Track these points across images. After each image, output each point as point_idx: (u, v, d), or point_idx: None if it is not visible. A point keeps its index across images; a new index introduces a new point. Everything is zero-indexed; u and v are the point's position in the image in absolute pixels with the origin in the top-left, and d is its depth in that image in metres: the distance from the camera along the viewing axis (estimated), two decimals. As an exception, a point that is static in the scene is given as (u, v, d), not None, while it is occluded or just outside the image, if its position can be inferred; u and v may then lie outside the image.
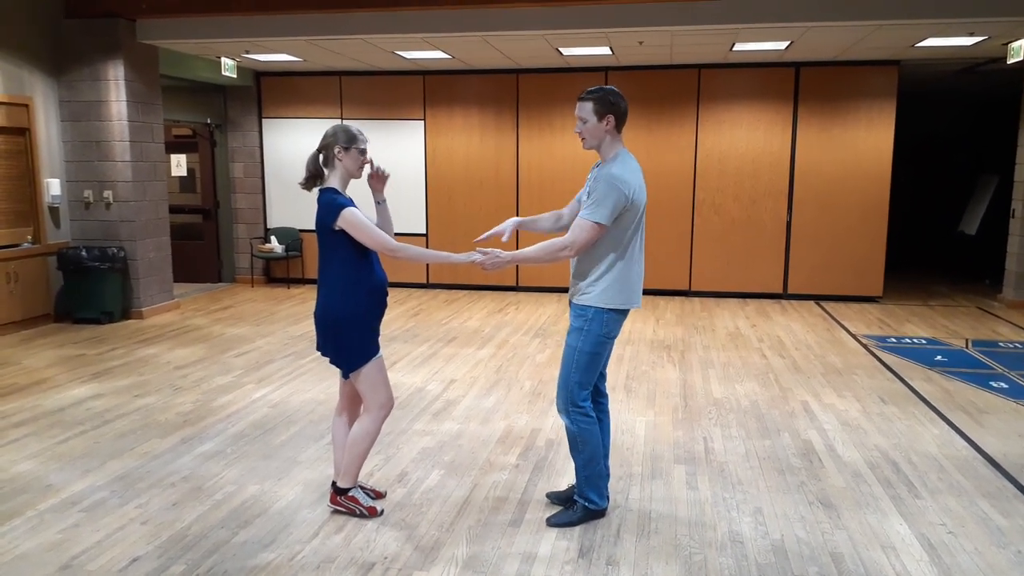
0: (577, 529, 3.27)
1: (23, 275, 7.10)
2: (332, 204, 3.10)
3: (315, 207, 3.18)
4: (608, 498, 3.39)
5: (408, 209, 9.61)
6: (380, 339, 3.29)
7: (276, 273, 10.19)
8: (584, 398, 3.23)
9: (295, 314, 8.03)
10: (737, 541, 3.19)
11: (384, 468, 3.93)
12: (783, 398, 5.19)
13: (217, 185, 9.98)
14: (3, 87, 6.91)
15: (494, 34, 7.00)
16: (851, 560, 3.03)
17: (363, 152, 3.22)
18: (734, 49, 7.73)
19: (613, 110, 3.11)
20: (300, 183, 3.30)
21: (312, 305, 8.37)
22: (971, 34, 6.85)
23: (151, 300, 7.89)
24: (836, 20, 6.41)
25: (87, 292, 7.34)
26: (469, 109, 9.38)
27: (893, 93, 8.52)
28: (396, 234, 3.36)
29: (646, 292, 8.90)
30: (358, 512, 3.37)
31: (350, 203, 3.12)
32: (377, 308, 3.25)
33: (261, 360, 6.10)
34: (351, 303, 3.16)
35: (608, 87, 3.15)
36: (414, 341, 6.80)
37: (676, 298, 9.14)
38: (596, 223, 3.04)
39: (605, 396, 3.45)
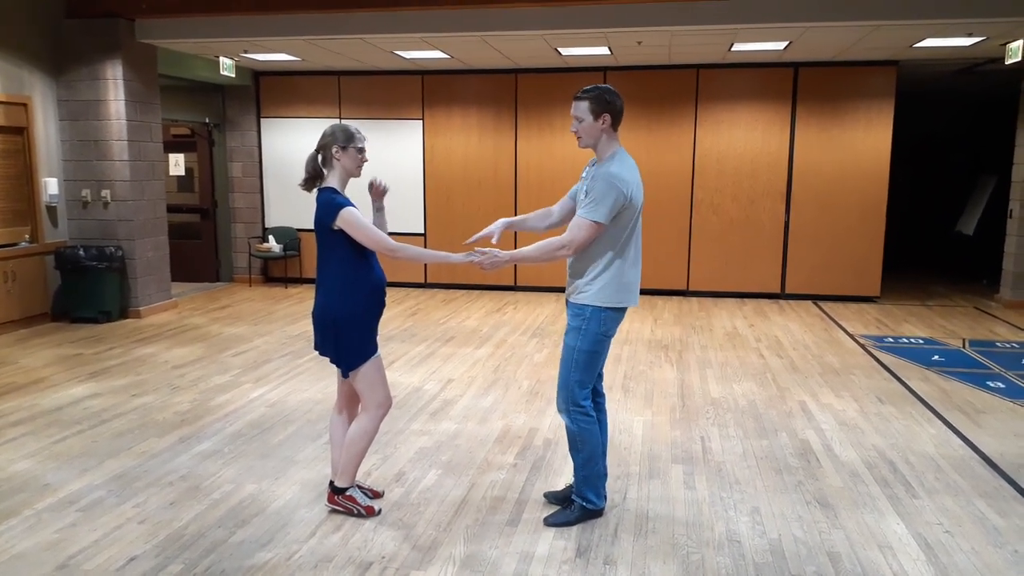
0: (575, 529, 3.27)
1: (20, 274, 7.10)
2: (331, 204, 3.10)
3: (314, 207, 3.18)
4: (606, 498, 3.40)
5: (406, 209, 9.61)
6: (378, 338, 3.29)
7: (274, 272, 10.19)
8: (584, 397, 3.23)
9: (293, 313, 8.02)
10: (734, 541, 3.19)
11: (382, 467, 3.93)
12: (781, 398, 5.19)
13: (215, 184, 9.98)
14: (2, 86, 6.90)
15: (493, 34, 7.01)
16: (848, 560, 3.03)
17: (361, 151, 3.21)
18: (733, 49, 7.74)
19: (609, 109, 3.11)
20: (300, 184, 3.29)
21: (310, 305, 8.35)
22: (970, 35, 6.86)
23: (149, 299, 7.88)
24: (835, 20, 6.41)
25: (85, 291, 7.34)
26: (468, 109, 9.38)
27: (891, 93, 8.53)
28: (394, 234, 3.36)
29: (644, 292, 8.90)
30: (355, 511, 3.37)
31: (349, 203, 3.12)
32: (376, 308, 3.25)
33: (259, 359, 6.10)
34: (350, 303, 3.16)
35: (604, 86, 3.15)
36: (412, 341, 6.80)
37: (674, 298, 9.15)
38: (595, 222, 3.04)
39: (602, 396, 3.46)
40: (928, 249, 12.15)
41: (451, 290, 9.64)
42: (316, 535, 3.21)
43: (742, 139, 8.90)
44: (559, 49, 7.81)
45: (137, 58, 7.55)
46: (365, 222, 3.11)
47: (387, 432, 4.42)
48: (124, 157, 7.50)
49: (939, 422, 4.70)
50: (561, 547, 3.12)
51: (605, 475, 3.39)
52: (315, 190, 3.24)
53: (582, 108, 3.11)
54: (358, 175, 3.25)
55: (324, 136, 3.20)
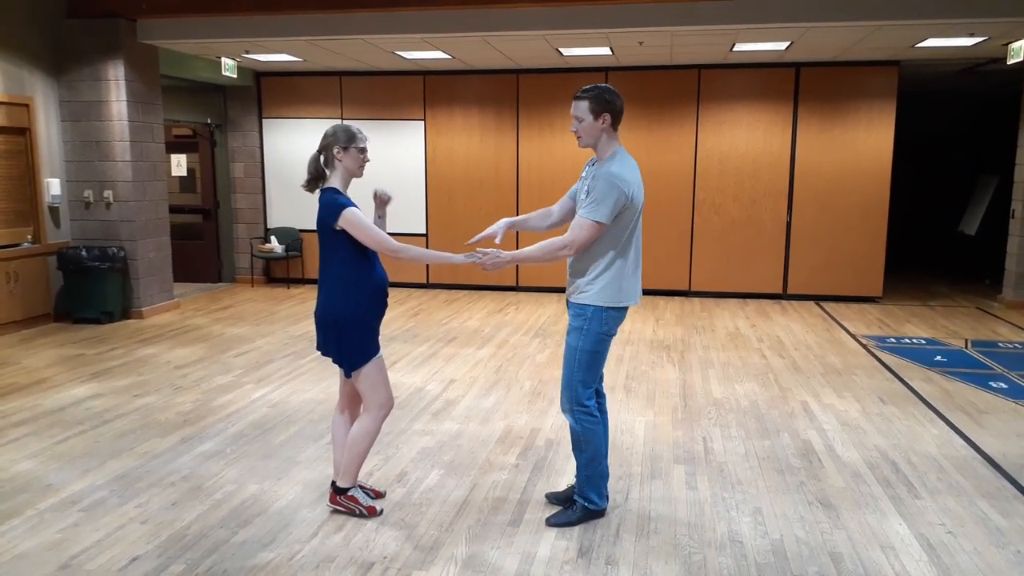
0: (576, 529, 3.27)
1: (23, 275, 7.11)
2: (333, 204, 3.10)
3: (315, 207, 3.19)
4: (607, 498, 3.40)
5: (408, 209, 9.61)
6: (380, 339, 3.30)
7: (276, 273, 10.19)
8: (588, 397, 3.23)
9: (295, 314, 8.03)
10: (736, 541, 3.19)
11: (384, 468, 3.93)
12: (783, 398, 5.19)
13: (217, 185, 9.99)
14: (3, 87, 6.91)
15: (494, 34, 7.01)
16: (850, 560, 3.03)
17: (363, 151, 3.21)
18: (734, 49, 7.73)
19: (609, 108, 3.10)
20: (302, 185, 3.29)
21: (312, 305, 8.37)
22: (971, 35, 6.86)
23: (151, 300, 7.89)
24: (836, 20, 6.41)
25: (87, 292, 7.35)
26: (469, 109, 9.39)
27: (893, 93, 8.53)
28: (396, 234, 3.36)
29: (646, 292, 8.90)
30: (357, 512, 3.37)
31: (351, 203, 3.12)
32: (378, 308, 3.25)
33: (261, 360, 6.11)
34: (352, 303, 3.16)
35: (603, 85, 3.14)
36: (414, 341, 6.80)
37: (676, 298, 9.14)
38: (596, 222, 3.04)
39: (603, 396, 3.45)
40: (930, 249, 12.14)
41: (453, 290, 9.64)
42: (318, 535, 3.21)
43: (743, 139, 8.89)
44: (560, 49, 7.81)
45: (138, 58, 7.56)
46: (367, 222, 3.11)
47: (389, 432, 4.42)
48: (126, 158, 7.51)
49: (941, 422, 4.69)
50: (563, 547, 3.12)
51: (607, 475, 3.38)
52: (318, 191, 3.24)
53: (582, 108, 3.11)
54: (360, 175, 3.25)
55: (326, 137, 3.20)
